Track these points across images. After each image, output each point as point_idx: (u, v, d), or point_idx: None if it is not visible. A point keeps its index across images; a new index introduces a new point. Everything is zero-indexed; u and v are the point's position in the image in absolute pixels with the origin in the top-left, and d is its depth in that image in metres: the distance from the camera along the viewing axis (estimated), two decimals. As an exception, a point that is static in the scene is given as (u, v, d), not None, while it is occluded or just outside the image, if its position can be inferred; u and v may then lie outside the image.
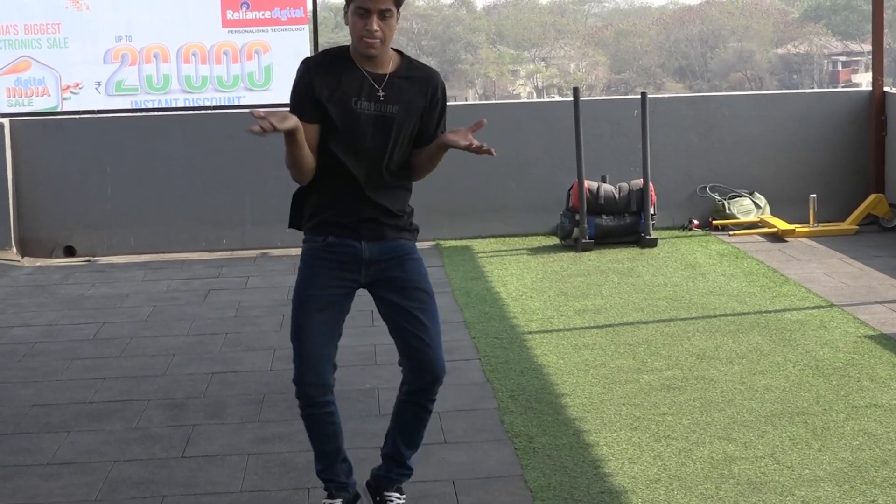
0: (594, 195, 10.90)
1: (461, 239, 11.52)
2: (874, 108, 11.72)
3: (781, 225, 11.07)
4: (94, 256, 11.49)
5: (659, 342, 7.52)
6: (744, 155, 11.88)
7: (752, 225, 11.40)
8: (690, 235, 11.34)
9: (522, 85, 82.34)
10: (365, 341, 7.63)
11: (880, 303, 8.39)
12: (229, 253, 11.44)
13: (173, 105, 12.13)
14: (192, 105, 12.13)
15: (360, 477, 5.02)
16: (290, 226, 4.91)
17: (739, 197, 11.64)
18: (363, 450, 5.58)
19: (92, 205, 11.59)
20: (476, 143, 4.51)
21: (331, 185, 4.66)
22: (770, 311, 8.24)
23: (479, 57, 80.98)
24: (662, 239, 11.00)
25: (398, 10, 4.51)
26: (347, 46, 4.64)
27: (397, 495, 4.92)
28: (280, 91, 11.96)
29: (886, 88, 11.76)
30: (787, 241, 10.83)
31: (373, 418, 6.21)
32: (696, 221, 11.65)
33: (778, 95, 13.54)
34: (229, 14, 12.06)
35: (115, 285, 10.04)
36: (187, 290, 9.72)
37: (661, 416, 6.09)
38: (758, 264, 9.84)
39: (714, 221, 11.54)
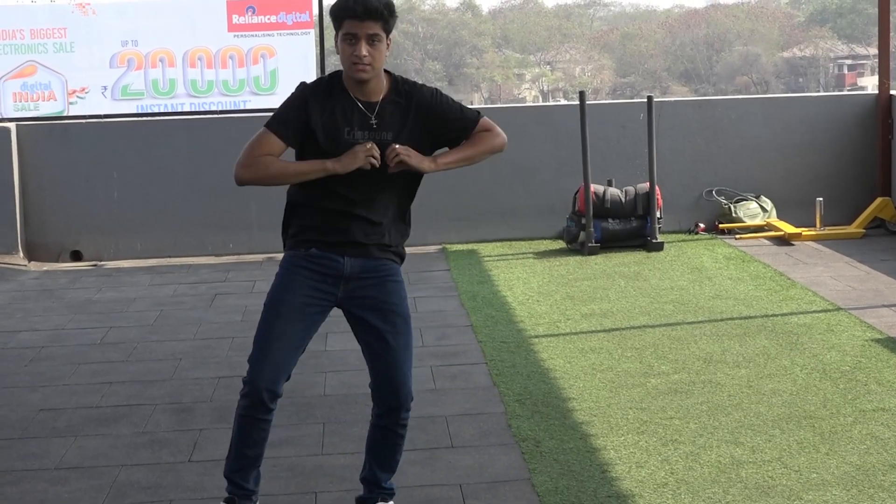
0: (600, 199, 10.90)
1: (467, 243, 11.52)
2: (880, 112, 11.71)
3: (788, 228, 11.06)
4: (101, 261, 11.50)
5: (666, 346, 7.52)
6: (750, 158, 11.88)
7: (759, 228, 11.39)
8: (697, 239, 11.34)
9: (528, 89, 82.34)
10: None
11: (887, 306, 8.37)
12: (236, 257, 11.45)
13: (179, 109, 12.15)
14: (198, 109, 12.14)
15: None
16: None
17: (746, 200, 11.63)
18: (370, 454, 5.58)
19: (98, 209, 11.60)
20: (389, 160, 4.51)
21: (319, 210, 4.62)
22: (777, 315, 8.23)
23: (484, 61, 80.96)
24: (669, 243, 11.00)
25: (388, 35, 4.49)
26: (341, 72, 4.62)
27: None
28: (285, 95, 11.89)
29: (893, 92, 11.75)
30: (793, 245, 10.82)
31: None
32: (702, 225, 11.64)
33: (784, 99, 13.56)
34: (235, 18, 12.07)
35: (121, 290, 10.04)
36: (194, 295, 9.73)
37: (669, 419, 6.08)
38: (764, 268, 9.83)
39: (720, 225, 11.54)
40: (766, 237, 11.17)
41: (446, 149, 4.71)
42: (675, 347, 7.47)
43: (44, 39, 12.03)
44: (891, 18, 12.01)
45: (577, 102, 11.10)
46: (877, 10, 12.03)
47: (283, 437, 6.03)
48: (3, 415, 6.59)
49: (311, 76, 12.09)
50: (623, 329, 8.03)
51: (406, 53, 79.90)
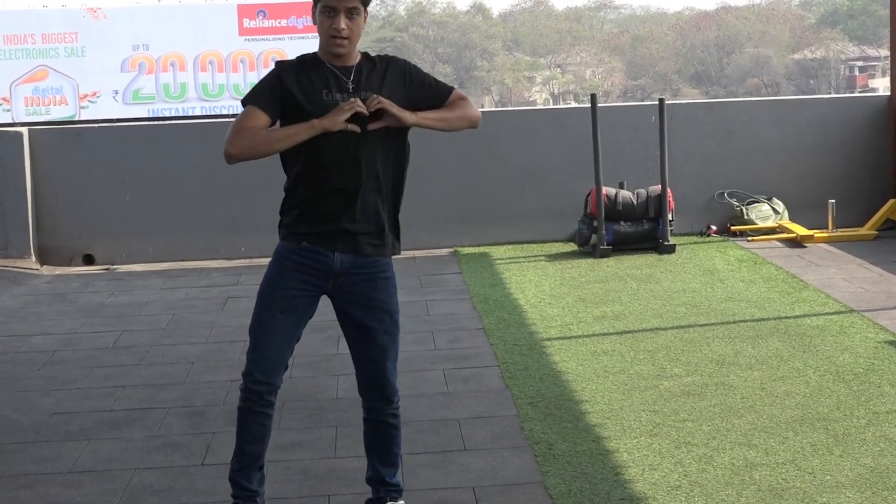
0: (612, 201, 10.89)
1: (479, 246, 11.52)
2: (892, 113, 11.69)
3: (800, 230, 11.04)
4: (113, 265, 11.52)
5: (678, 348, 7.51)
6: (762, 160, 11.86)
7: (771, 230, 11.37)
8: (709, 241, 11.32)
9: (538, 91, 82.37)
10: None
11: (900, 308, 8.37)
12: (247, 260, 11.46)
13: (190, 113, 12.17)
14: (209, 113, 12.16)
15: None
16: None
17: (758, 203, 11.62)
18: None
19: (110, 213, 11.62)
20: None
21: (312, 191, 4.63)
22: (789, 317, 8.22)
23: (495, 64, 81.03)
24: (681, 245, 10.99)
25: (365, 9, 4.53)
26: (316, 52, 4.65)
27: None
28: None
29: (904, 93, 11.74)
30: (805, 247, 10.80)
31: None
32: (714, 227, 11.63)
33: (795, 101, 13.54)
34: (246, 22, 12.11)
35: (133, 293, 10.06)
36: (206, 298, 9.74)
37: (682, 422, 6.07)
38: (777, 270, 9.81)
39: (732, 227, 11.52)
40: (778, 239, 11.16)
41: None
42: (688, 350, 7.46)
43: (55, 44, 12.08)
44: (902, 20, 11.98)
45: (588, 105, 11.09)
46: (888, 11, 12.01)
47: (295, 441, 6.03)
48: (17, 418, 6.61)
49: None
50: (635, 331, 8.02)
51: (417, 57, 79.94)
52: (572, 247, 11.29)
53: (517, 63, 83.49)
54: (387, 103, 4.50)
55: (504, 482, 5.36)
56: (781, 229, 11.30)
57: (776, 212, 11.59)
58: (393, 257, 4.79)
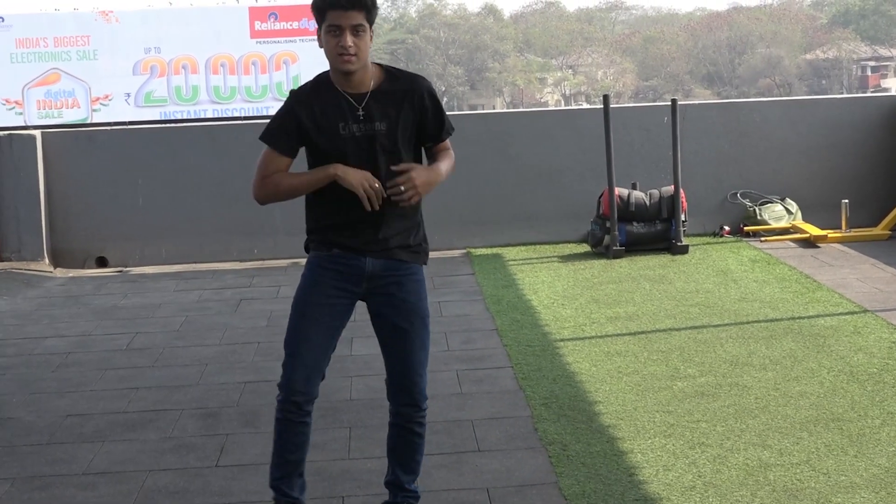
0: (625, 202, 10.88)
1: (492, 247, 11.52)
2: (905, 113, 11.67)
3: (813, 231, 11.02)
4: (126, 267, 11.54)
5: (692, 349, 7.50)
6: (775, 161, 11.84)
7: (784, 231, 11.35)
8: (722, 242, 11.31)
9: (550, 93, 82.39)
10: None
11: (914, 308, 8.35)
12: (260, 262, 11.47)
13: (202, 116, 12.18)
14: (220, 116, 12.18)
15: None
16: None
17: (771, 203, 11.60)
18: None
19: (123, 216, 11.64)
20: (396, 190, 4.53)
21: (334, 208, 4.63)
22: (803, 317, 8.20)
23: (506, 65, 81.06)
24: (694, 246, 10.97)
25: (371, 26, 4.50)
26: (328, 72, 4.62)
27: None
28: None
29: (918, 93, 11.70)
30: (819, 247, 10.78)
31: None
32: (727, 228, 11.61)
33: (808, 101, 13.51)
34: (258, 25, 12.12)
35: (147, 295, 10.07)
36: (219, 300, 9.75)
37: (696, 422, 6.06)
38: (790, 270, 9.80)
39: (745, 228, 11.51)
40: (791, 239, 11.14)
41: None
42: (702, 350, 7.45)
43: (67, 47, 12.10)
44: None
45: (601, 106, 11.08)
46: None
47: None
48: (31, 420, 6.62)
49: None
50: (649, 332, 8.01)
51: (428, 58, 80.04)
52: (585, 248, 11.28)
53: (529, 64, 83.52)
54: (418, 192, 4.52)
55: (518, 483, 5.36)
56: (795, 230, 11.28)
57: (789, 212, 11.57)
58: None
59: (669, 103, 11.25)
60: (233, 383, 7.21)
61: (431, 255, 4.90)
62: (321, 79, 4.63)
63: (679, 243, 10.77)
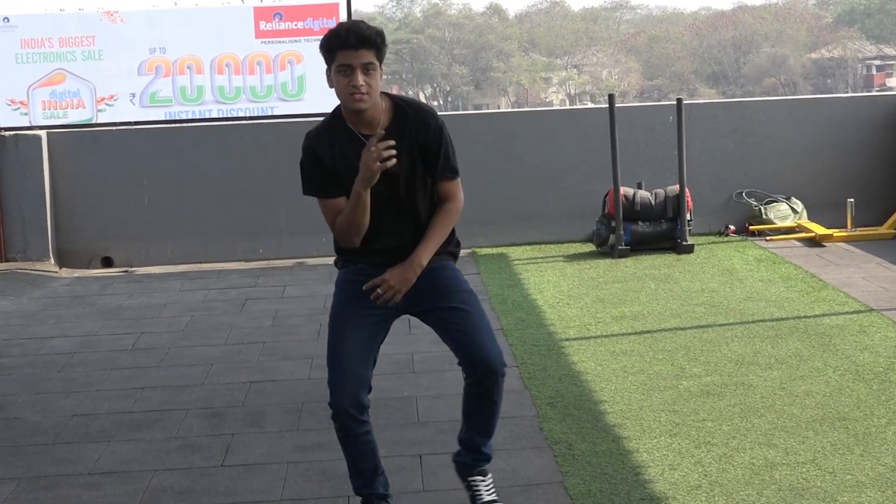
0: (630, 202, 10.88)
1: (497, 247, 11.52)
2: (911, 112, 11.65)
3: (819, 230, 11.01)
4: (132, 267, 11.55)
5: (697, 348, 7.49)
6: (780, 160, 11.84)
7: (790, 230, 11.34)
8: (727, 241, 11.30)
9: (555, 92, 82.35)
10: (402, 349, 7.62)
11: (920, 307, 8.34)
12: (265, 262, 11.48)
13: (207, 116, 12.18)
14: (225, 116, 12.18)
15: (398, 485, 5.03)
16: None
17: (776, 202, 11.59)
18: (403, 458, 5.59)
19: (129, 216, 11.65)
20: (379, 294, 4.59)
21: (365, 248, 4.67)
22: (809, 317, 8.19)
23: (511, 65, 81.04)
24: (699, 245, 10.97)
25: (380, 64, 4.49)
26: (339, 109, 4.63)
27: (481, 478, 4.91)
28: (313, 101, 12.02)
29: (923, 91, 11.69)
30: (824, 246, 10.77)
31: (411, 426, 6.20)
32: (732, 227, 11.61)
33: (813, 100, 13.50)
34: (262, 25, 12.10)
35: (152, 295, 10.08)
36: (224, 300, 9.75)
37: (701, 422, 6.06)
38: (796, 269, 9.79)
39: (751, 227, 11.50)
40: (796, 239, 11.13)
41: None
42: (707, 349, 7.44)
43: (72, 47, 12.09)
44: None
45: (606, 105, 11.08)
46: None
47: (314, 441, 6.03)
48: (37, 420, 6.62)
49: (338, 82, 12.09)
50: (654, 331, 8.00)
51: (433, 58, 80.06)
52: (590, 247, 11.27)
53: (533, 64, 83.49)
54: (394, 293, 4.59)
55: (524, 482, 5.36)
56: (800, 229, 11.27)
57: (795, 211, 11.56)
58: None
59: (675, 102, 11.24)
60: (238, 383, 7.21)
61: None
62: (335, 116, 4.64)
63: (684, 242, 10.76)
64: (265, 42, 12.13)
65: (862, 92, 62.36)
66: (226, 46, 12.16)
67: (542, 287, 9.59)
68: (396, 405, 6.58)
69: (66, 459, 5.94)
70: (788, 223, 11.44)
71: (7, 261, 11.44)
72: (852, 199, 11.18)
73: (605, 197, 11.04)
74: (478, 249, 11.41)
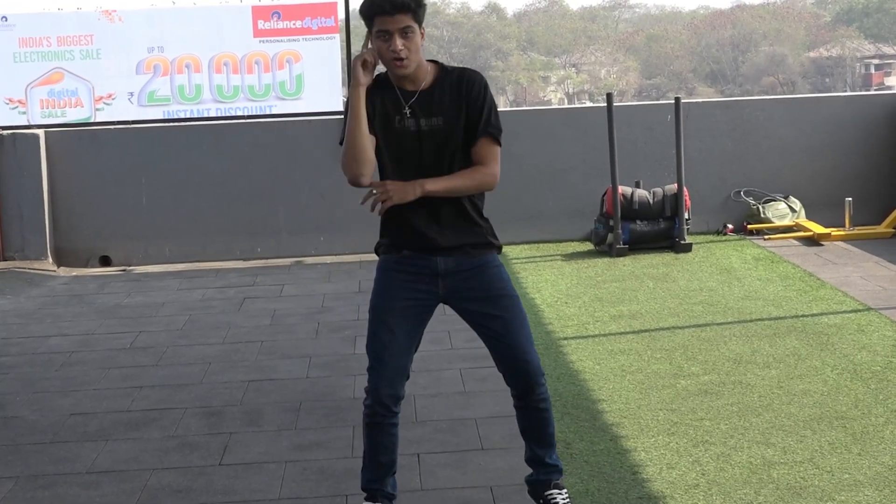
0: (628, 201, 10.88)
1: (495, 245, 11.50)
2: (909, 111, 11.65)
3: (817, 229, 11.02)
4: (130, 266, 11.55)
5: (695, 347, 7.50)
6: (778, 159, 11.84)
7: (788, 229, 11.35)
8: (725, 240, 11.30)
9: (553, 91, 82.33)
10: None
11: (918, 306, 8.34)
12: (264, 261, 11.48)
13: (205, 115, 12.18)
14: (224, 115, 12.18)
15: (398, 485, 5.02)
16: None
17: (774, 201, 11.60)
18: (401, 456, 5.55)
19: (127, 215, 11.65)
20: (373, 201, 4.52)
21: (400, 208, 4.59)
22: (807, 316, 8.20)
23: (509, 63, 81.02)
24: (697, 244, 10.97)
25: (420, 25, 4.50)
26: (387, 73, 4.66)
27: (556, 491, 4.89)
28: (311, 100, 12.02)
29: (921, 90, 11.69)
30: (822, 245, 10.77)
31: (409, 425, 6.19)
32: (730, 226, 11.61)
33: (812, 99, 13.51)
34: (261, 24, 12.10)
35: (150, 294, 10.08)
36: (222, 299, 9.75)
37: (699, 421, 6.06)
38: (794, 268, 9.79)
39: (749, 226, 11.50)
40: (795, 238, 11.13)
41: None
42: (705, 348, 7.45)
43: (70, 46, 12.09)
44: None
45: (604, 104, 11.08)
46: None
47: (313, 441, 6.04)
48: (35, 419, 6.62)
49: (336, 81, 12.12)
50: (652, 330, 8.01)
51: (431, 57, 79.99)
52: (588, 246, 11.28)
53: (532, 63, 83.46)
54: (385, 198, 4.47)
55: (522, 481, 5.34)
56: (798, 228, 11.27)
57: (793, 210, 11.57)
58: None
59: (673, 101, 11.25)
60: (236, 382, 7.21)
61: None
62: (381, 77, 4.65)
63: (682, 241, 10.77)
64: (263, 41, 12.13)
65: (860, 91, 62.34)
66: (224, 45, 12.16)
67: (540, 286, 9.60)
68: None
69: (64, 458, 5.94)
70: (786, 222, 11.44)
71: (5, 260, 11.44)
72: (850, 198, 11.19)
73: (604, 196, 11.05)
74: (476, 248, 11.39)
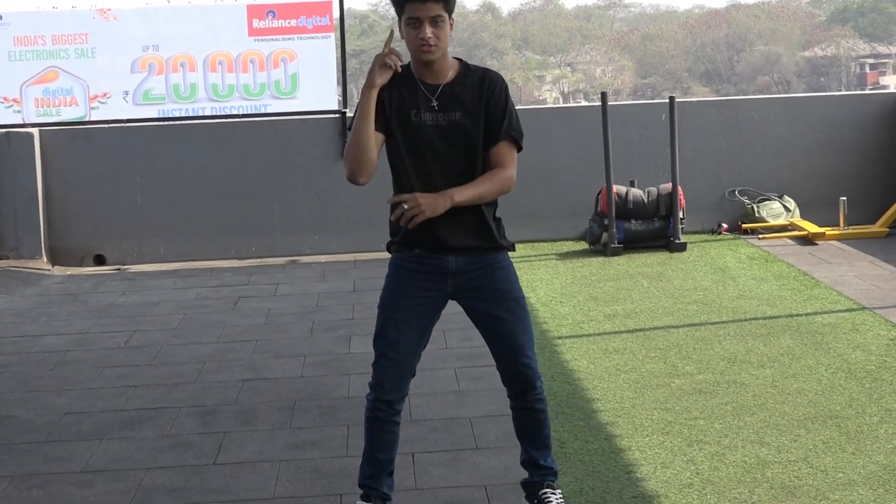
0: (623, 200, 10.88)
1: (490, 245, 11.49)
2: (904, 110, 11.66)
3: (811, 228, 11.03)
4: (124, 265, 11.54)
5: (690, 346, 7.50)
6: (773, 158, 11.85)
7: (782, 228, 11.36)
8: (720, 239, 11.31)
9: (548, 90, 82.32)
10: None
11: (912, 305, 8.35)
12: (258, 260, 11.47)
13: (200, 114, 12.17)
14: (219, 114, 12.16)
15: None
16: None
17: (769, 200, 11.60)
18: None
19: (121, 214, 11.64)
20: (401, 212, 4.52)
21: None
22: (801, 315, 8.20)
23: (504, 63, 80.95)
24: (692, 243, 10.98)
25: (450, 16, 4.53)
26: (409, 65, 4.66)
27: (550, 491, 4.90)
28: (306, 99, 12.00)
29: (916, 90, 11.70)
30: (817, 245, 10.78)
31: (403, 424, 6.08)
32: (725, 225, 11.62)
33: (806, 98, 13.50)
34: (255, 23, 12.09)
35: (145, 293, 10.07)
36: (217, 298, 9.75)
37: (693, 420, 6.06)
38: (788, 268, 9.80)
39: (743, 225, 11.51)
40: (789, 237, 11.14)
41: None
42: (700, 348, 7.45)
43: (65, 45, 12.07)
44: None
45: (599, 103, 11.08)
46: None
47: (307, 440, 6.03)
48: (29, 418, 6.62)
49: (331, 80, 12.10)
50: (647, 330, 8.01)
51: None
52: (583, 245, 11.28)
53: (527, 62, 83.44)
54: (417, 212, 4.47)
55: (516, 480, 5.34)
56: (793, 227, 11.28)
57: (787, 209, 11.58)
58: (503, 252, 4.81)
59: (667, 101, 11.26)
60: (231, 381, 7.21)
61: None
62: (405, 68, 4.66)
63: (677, 241, 10.77)
64: (258, 40, 12.12)
65: (855, 90, 62.38)
66: (219, 44, 12.15)
67: (534, 285, 9.60)
68: (389, 403, 6.57)
69: (59, 457, 5.93)
70: (781, 221, 11.45)
71: (-1, 258, 11.44)
72: (845, 198, 11.20)
73: (598, 195, 11.05)
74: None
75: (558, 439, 5.83)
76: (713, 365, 7.05)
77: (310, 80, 11.94)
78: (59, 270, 11.36)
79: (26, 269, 11.18)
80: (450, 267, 4.67)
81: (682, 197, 10.94)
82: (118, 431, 6.32)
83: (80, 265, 11.56)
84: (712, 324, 8.07)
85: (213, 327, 8.70)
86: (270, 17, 12.07)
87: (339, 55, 12.02)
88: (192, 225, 11.69)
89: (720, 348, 7.41)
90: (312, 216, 11.59)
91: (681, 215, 10.88)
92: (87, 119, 12.04)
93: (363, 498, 4.80)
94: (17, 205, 11.45)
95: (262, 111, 12.14)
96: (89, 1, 12.22)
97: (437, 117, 4.56)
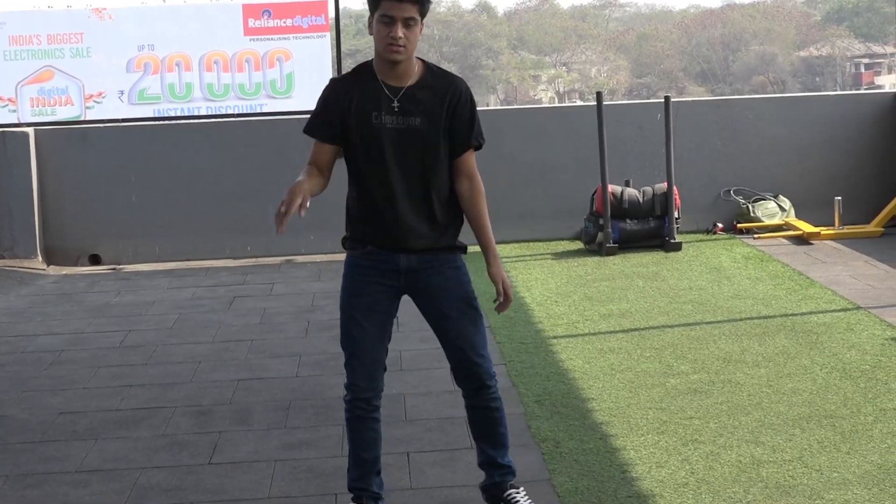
0: (618, 199, 10.88)
1: (485, 244, 11.49)
2: (899, 110, 11.67)
3: (806, 228, 11.03)
4: (120, 264, 11.53)
5: (685, 346, 7.50)
6: (768, 158, 11.85)
7: (777, 228, 11.36)
8: (715, 239, 11.31)
9: (544, 90, 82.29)
10: (390, 347, 7.58)
11: (907, 305, 8.35)
12: (254, 260, 11.47)
13: (196, 113, 12.17)
14: (214, 113, 12.16)
15: (386, 483, 5.02)
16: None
17: (764, 200, 11.61)
18: (391, 455, 5.58)
19: (117, 213, 11.63)
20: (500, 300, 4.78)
21: (367, 204, 4.68)
22: (796, 314, 8.21)
23: (500, 62, 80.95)
24: (687, 243, 10.98)
25: (422, 19, 4.53)
26: (371, 61, 4.66)
27: (515, 491, 4.91)
28: (301, 98, 12.00)
29: (911, 90, 11.70)
30: (812, 244, 10.79)
31: (399, 423, 6.20)
32: (720, 225, 11.62)
33: (801, 98, 13.52)
34: (251, 22, 12.09)
35: (140, 293, 10.07)
36: (212, 298, 9.75)
37: (688, 419, 6.07)
38: (783, 267, 9.80)
39: (739, 225, 11.51)
40: (784, 236, 11.15)
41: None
42: (695, 347, 7.46)
43: (61, 44, 12.07)
44: (908, 16, 11.96)
45: (594, 103, 11.08)
46: (893, 8, 11.98)
47: (302, 439, 6.03)
48: (24, 418, 6.61)
49: (327, 79, 12.07)
50: (642, 329, 8.01)
51: (421, 55, 79.84)
52: (578, 245, 11.28)
53: (522, 62, 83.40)
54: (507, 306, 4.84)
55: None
56: (788, 226, 11.29)
57: (782, 209, 11.58)
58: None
59: (663, 100, 11.26)
60: (226, 381, 7.21)
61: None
62: (363, 67, 4.67)
63: (672, 240, 10.78)
64: (254, 39, 12.12)
65: (850, 90, 62.43)
66: (215, 43, 12.15)
67: (530, 285, 9.60)
68: (384, 402, 6.56)
69: (54, 457, 5.93)
70: (776, 221, 11.45)
71: (-6, 258, 11.43)
72: (840, 198, 11.20)
73: (594, 194, 11.05)
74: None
75: (553, 439, 5.84)
76: (708, 364, 7.05)
77: (305, 80, 11.94)
78: (54, 270, 11.36)
79: (21, 269, 11.17)
80: (401, 265, 4.69)
81: (677, 196, 10.95)
82: (113, 431, 6.31)
83: (76, 265, 11.55)
84: (707, 323, 8.08)
85: (208, 327, 8.70)
86: (266, 17, 12.07)
87: (335, 55, 12.03)
88: (187, 224, 11.69)
89: (715, 348, 7.41)
90: (308, 216, 11.43)
91: (676, 215, 10.88)
92: (82, 119, 12.04)
93: (355, 500, 4.81)
94: (12, 204, 11.44)
95: (258, 111, 12.15)
96: (84, 0, 12.22)
97: (396, 120, 4.56)
